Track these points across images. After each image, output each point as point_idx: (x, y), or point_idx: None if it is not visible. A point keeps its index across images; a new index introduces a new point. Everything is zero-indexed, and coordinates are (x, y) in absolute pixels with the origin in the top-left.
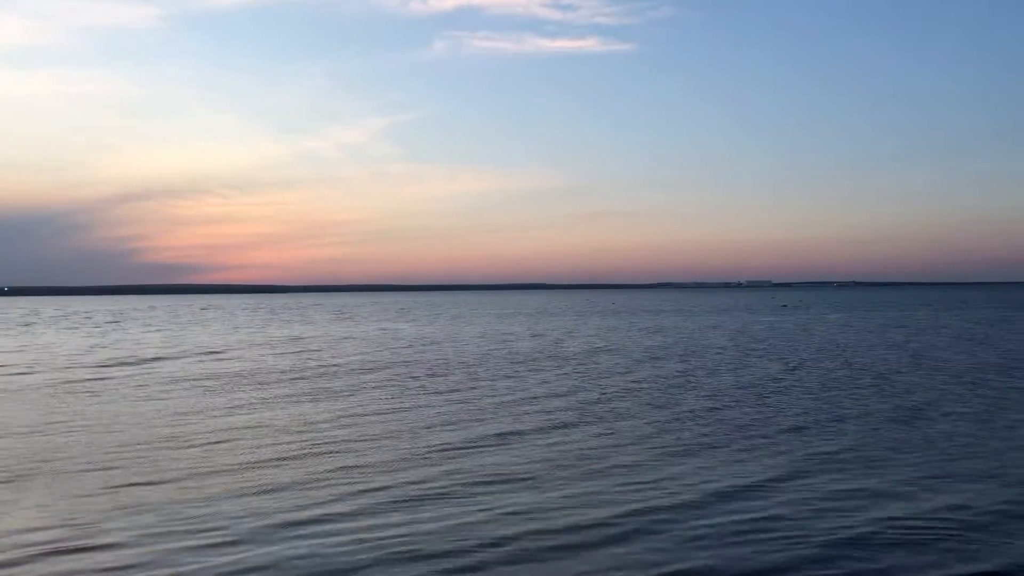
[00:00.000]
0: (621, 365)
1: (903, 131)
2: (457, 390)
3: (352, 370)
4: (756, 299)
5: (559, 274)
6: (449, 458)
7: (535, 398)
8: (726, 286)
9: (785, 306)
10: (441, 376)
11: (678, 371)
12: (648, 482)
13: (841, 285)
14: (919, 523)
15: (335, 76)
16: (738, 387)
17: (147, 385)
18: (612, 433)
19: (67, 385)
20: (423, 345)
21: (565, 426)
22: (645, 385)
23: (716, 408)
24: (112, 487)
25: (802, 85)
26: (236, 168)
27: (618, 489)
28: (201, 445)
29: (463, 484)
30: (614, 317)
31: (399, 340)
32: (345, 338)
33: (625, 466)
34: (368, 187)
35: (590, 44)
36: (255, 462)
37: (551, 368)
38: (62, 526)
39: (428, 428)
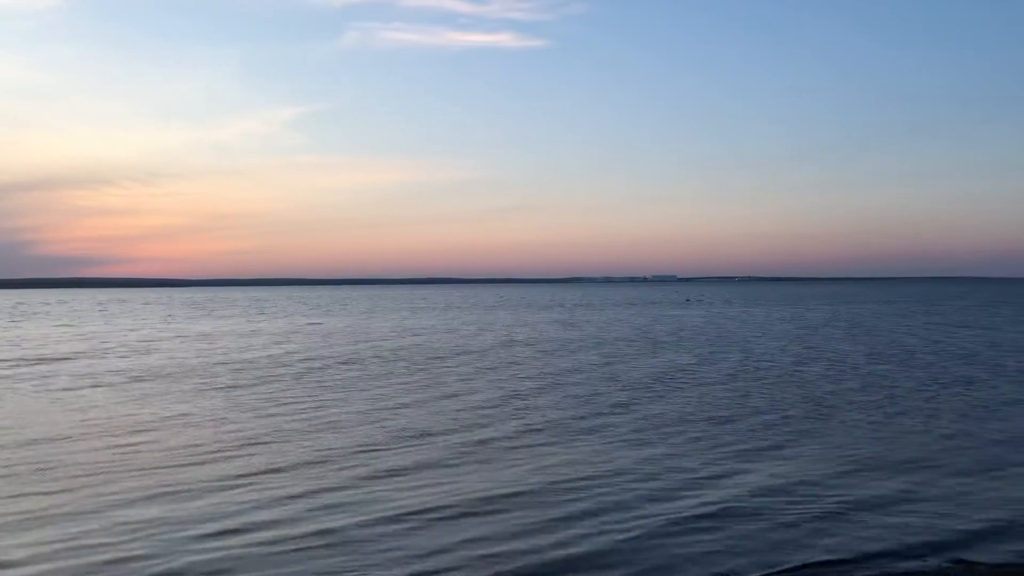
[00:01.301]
0: (545, 362)
1: (804, 128)
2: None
3: (309, 367)
4: (663, 293)
5: (469, 268)
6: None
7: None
8: (632, 280)
9: (688, 300)
10: (391, 375)
11: (600, 365)
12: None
13: (742, 280)
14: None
15: (241, 65)
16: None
17: (69, 387)
18: (528, 442)
19: None
20: (353, 343)
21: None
22: (567, 379)
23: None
24: (12, 497)
25: (708, 81)
26: (137, 158)
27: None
28: (112, 448)
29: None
30: (544, 311)
31: (330, 336)
32: (292, 332)
33: (545, 484)
34: (276, 178)
35: (504, 39)
36: (167, 484)
37: (498, 367)
38: None
39: (348, 436)
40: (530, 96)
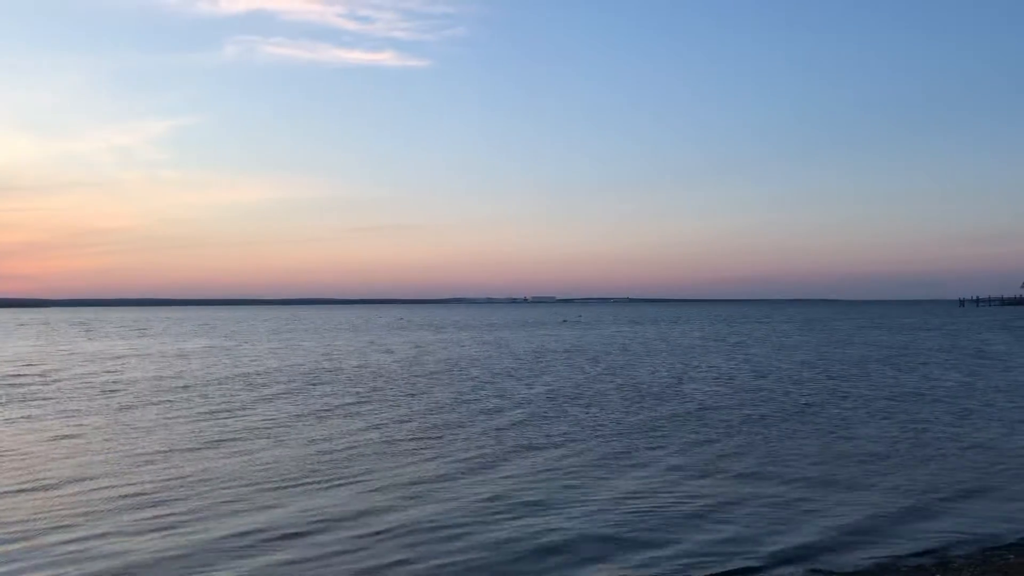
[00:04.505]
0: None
1: (680, 153)
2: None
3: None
4: (541, 314)
5: (347, 288)
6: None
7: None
8: (513, 301)
9: (565, 321)
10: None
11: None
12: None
13: (618, 301)
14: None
15: (105, 74)
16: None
17: None
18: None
19: None
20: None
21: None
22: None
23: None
24: None
25: (582, 105)
26: None
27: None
28: None
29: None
30: (437, 332)
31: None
32: (182, 355)
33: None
34: (142, 193)
35: (386, 57)
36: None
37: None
38: None
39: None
40: (410, 115)
